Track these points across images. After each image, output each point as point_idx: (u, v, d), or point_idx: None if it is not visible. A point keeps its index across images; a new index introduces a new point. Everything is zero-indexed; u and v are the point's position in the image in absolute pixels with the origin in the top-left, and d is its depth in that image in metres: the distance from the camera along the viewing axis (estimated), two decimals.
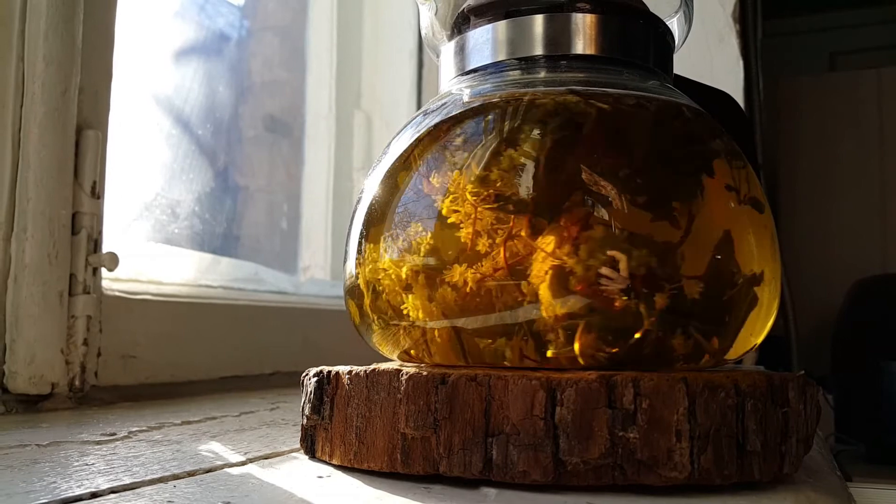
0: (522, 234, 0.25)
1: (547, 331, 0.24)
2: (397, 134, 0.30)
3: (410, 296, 0.26)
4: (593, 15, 0.28)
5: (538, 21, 0.29)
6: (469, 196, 0.26)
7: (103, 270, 0.46)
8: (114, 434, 0.33)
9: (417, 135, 0.29)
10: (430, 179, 0.27)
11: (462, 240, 0.25)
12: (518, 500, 0.22)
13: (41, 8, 0.42)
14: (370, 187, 0.29)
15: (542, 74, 0.29)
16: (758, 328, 0.27)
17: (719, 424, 0.22)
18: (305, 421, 0.27)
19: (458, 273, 0.25)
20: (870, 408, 0.92)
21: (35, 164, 0.41)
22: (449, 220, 0.26)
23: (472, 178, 0.26)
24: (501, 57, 0.29)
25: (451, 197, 0.26)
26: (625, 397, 0.22)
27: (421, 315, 0.26)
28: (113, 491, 0.22)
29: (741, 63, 0.91)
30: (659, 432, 0.22)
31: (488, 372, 0.23)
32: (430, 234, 0.26)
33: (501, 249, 0.25)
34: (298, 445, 0.29)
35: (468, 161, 0.26)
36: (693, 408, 0.22)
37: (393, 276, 0.27)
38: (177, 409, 0.43)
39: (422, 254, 0.26)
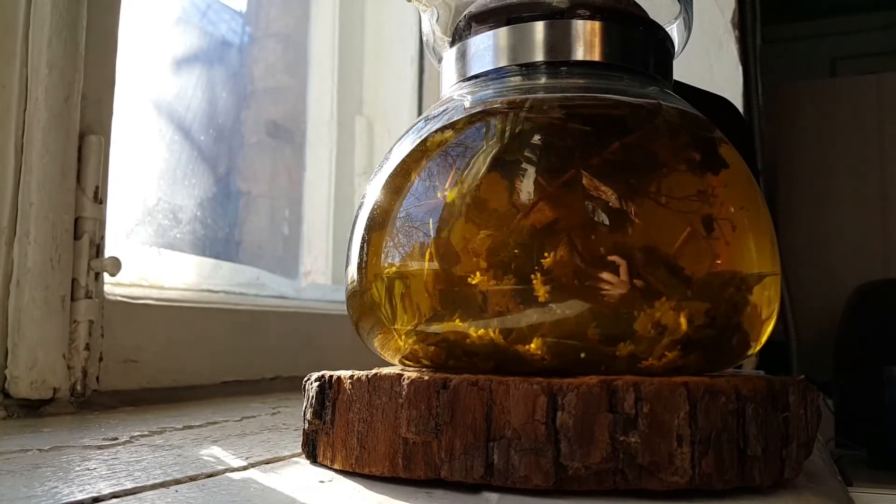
0: (524, 238, 0.25)
1: (547, 335, 0.25)
2: (399, 139, 0.30)
3: (412, 300, 0.26)
4: (593, 22, 0.29)
5: (539, 28, 0.29)
6: (470, 201, 0.26)
7: (105, 275, 0.46)
8: (115, 439, 0.33)
9: (419, 140, 0.29)
10: (432, 185, 0.27)
11: (464, 243, 0.25)
12: None
13: (45, 14, 0.42)
14: (372, 193, 0.29)
15: (543, 80, 0.29)
16: (757, 333, 0.27)
17: (720, 429, 0.22)
18: (307, 425, 0.28)
19: (459, 276, 0.25)
20: (871, 412, 0.92)
21: (38, 169, 0.42)
22: (450, 225, 0.26)
23: (474, 184, 0.26)
24: (502, 63, 0.29)
25: (452, 202, 0.26)
26: (626, 402, 0.22)
27: (422, 319, 0.26)
28: (115, 496, 0.23)
29: (740, 69, 0.91)
30: (660, 437, 0.22)
31: (490, 376, 0.23)
32: (431, 240, 0.26)
33: (504, 252, 0.25)
34: (300, 450, 0.29)
35: (470, 166, 0.26)
36: (694, 412, 0.22)
37: (395, 281, 0.27)
38: (178, 414, 0.43)
39: (424, 259, 0.26)
